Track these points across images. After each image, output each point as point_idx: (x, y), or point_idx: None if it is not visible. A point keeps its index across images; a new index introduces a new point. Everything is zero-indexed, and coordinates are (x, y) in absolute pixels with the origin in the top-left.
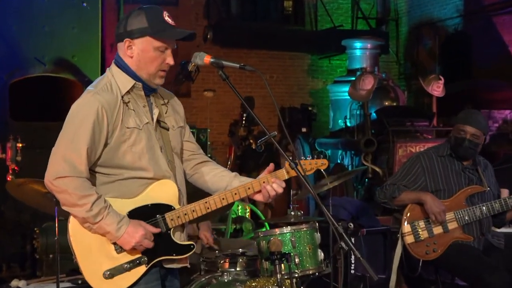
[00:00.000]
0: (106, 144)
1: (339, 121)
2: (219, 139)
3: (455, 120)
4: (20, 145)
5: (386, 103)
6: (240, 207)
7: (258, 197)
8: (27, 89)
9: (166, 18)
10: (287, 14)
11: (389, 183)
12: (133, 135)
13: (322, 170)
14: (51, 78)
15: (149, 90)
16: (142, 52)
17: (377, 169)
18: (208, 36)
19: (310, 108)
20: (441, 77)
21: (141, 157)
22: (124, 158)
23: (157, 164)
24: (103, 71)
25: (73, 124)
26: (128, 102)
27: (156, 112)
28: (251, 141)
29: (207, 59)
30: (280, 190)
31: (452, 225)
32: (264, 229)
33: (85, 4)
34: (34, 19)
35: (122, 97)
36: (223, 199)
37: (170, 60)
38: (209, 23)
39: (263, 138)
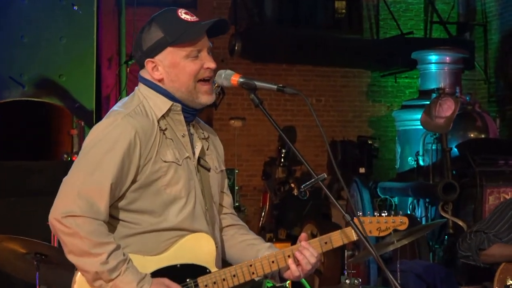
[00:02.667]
0: (134, 181)
1: (409, 158)
2: (249, 182)
3: None
4: None
5: (472, 135)
6: None
7: (287, 274)
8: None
9: (183, 16)
10: (339, 18)
11: (475, 230)
12: (170, 172)
13: None
14: (31, 104)
15: (190, 115)
16: (171, 68)
17: (460, 223)
18: (236, 48)
19: (370, 142)
20: None
21: (175, 201)
22: (154, 201)
23: (194, 212)
24: (99, 95)
25: (96, 152)
26: (165, 129)
27: (199, 145)
28: (293, 185)
29: (235, 78)
30: (313, 261)
31: None
32: None
33: (76, 8)
34: (10, 27)
35: (159, 122)
36: (268, 263)
37: (210, 63)
38: (237, 30)
39: (308, 182)
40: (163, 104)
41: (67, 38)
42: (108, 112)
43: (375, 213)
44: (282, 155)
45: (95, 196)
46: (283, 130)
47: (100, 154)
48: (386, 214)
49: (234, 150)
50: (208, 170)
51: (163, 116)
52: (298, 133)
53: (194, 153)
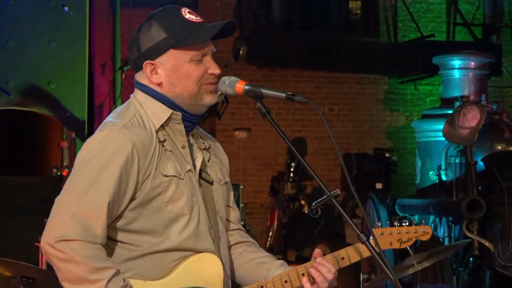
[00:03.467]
0: (132, 199)
1: (430, 173)
2: (256, 199)
3: None
4: None
5: (499, 147)
6: None
7: None
8: None
9: (188, 15)
10: (353, 20)
11: None
12: (171, 187)
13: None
14: (17, 113)
15: (191, 123)
16: (173, 72)
17: (487, 244)
18: (241, 52)
19: (387, 155)
20: None
21: (178, 219)
22: (155, 219)
23: (198, 230)
24: (91, 104)
25: (91, 168)
26: (164, 140)
27: (199, 157)
28: (303, 202)
29: (240, 86)
30: (330, 277)
31: None
32: None
33: (66, 9)
34: None
35: (157, 133)
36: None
37: (214, 69)
38: (242, 34)
39: (320, 199)
40: (162, 112)
41: (56, 41)
42: (102, 124)
43: (395, 223)
44: (292, 170)
45: (91, 218)
46: (292, 142)
47: (95, 171)
48: (407, 223)
49: (239, 164)
50: (211, 183)
51: (162, 126)
52: (309, 145)
53: (195, 166)
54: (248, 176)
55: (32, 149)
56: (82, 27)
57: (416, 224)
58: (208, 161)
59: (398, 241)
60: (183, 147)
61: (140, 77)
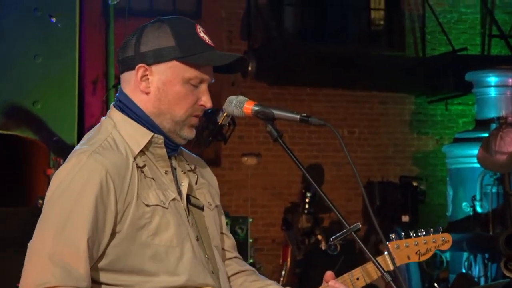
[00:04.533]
0: (113, 233)
1: (463, 204)
2: (266, 234)
3: None
4: None
5: None
6: None
7: None
8: None
9: (202, 34)
10: (376, 31)
11: None
12: (155, 218)
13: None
14: None
15: (172, 148)
16: (165, 86)
17: None
18: (250, 68)
19: (415, 184)
20: None
21: (168, 253)
22: (142, 256)
23: (193, 263)
24: (81, 126)
25: (62, 204)
26: (143, 166)
27: (185, 182)
28: (320, 237)
29: (248, 106)
30: None
31: None
32: None
33: (54, 20)
34: None
35: (135, 159)
36: None
37: (207, 101)
38: (251, 46)
39: (338, 234)
40: (141, 136)
41: (43, 56)
42: (70, 154)
43: (411, 234)
44: (307, 200)
45: (71, 258)
46: (307, 168)
47: (67, 205)
48: (425, 233)
49: (247, 193)
50: (201, 208)
51: (142, 151)
52: (326, 173)
53: (180, 193)
54: (257, 207)
55: (15, 177)
56: (72, 40)
57: (434, 232)
58: (196, 183)
59: (416, 253)
60: (166, 173)
61: (126, 83)
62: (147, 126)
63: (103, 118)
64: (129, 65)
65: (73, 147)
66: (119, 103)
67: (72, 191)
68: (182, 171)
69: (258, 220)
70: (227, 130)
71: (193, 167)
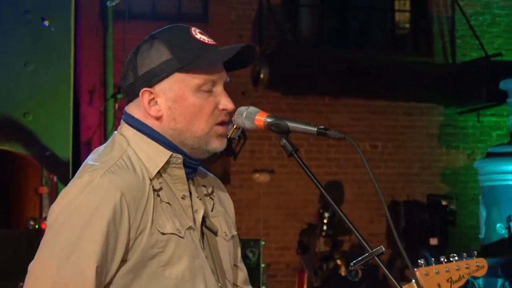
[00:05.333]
0: (123, 261)
1: (498, 225)
2: (280, 258)
3: None
4: None
5: None
6: None
7: None
8: None
9: (199, 36)
10: (401, 36)
11: None
12: (169, 247)
13: None
14: None
15: (191, 169)
16: (176, 103)
17: None
18: (261, 76)
19: (444, 203)
20: None
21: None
22: (150, 287)
23: None
24: (77, 140)
25: (70, 227)
26: (160, 189)
27: (200, 209)
28: (339, 262)
29: (261, 118)
30: None
31: None
32: None
33: (46, 23)
34: None
35: (151, 180)
36: None
37: (227, 103)
38: (263, 52)
39: (360, 258)
40: (159, 155)
41: (35, 63)
42: (80, 168)
43: (442, 259)
44: (325, 221)
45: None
46: (325, 186)
47: (76, 229)
48: (457, 258)
49: (259, 214)
50: (216, 234)
51: (159, 172)
52: (346, 191)
53: (195, 221)
54: (270, 229)
55: (4, 196)
56: (66, 45)
57: (467, 257)
58: (212, 210)
59: (447, 281)
60: (183, 198)
61: (133, 109)
62: (167, 146)
63: (115, 132)
64: (133, 94)
65: (67, 163)
66: (131, 123)
67: (82, 213)
68: (198, 197)
69: (271, 243)
70: (237, 144)
71: (210, 190)
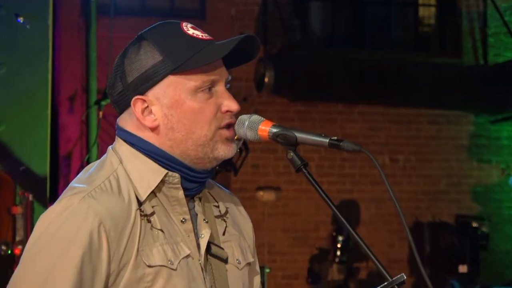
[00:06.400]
0: None
1: None
2: (289, 287)
3: None
4: None
5: None
6: None
7: None
8: None
9: (191, 31)
10: (425, 34)
11: None
12: (158, 281)
13: None
14: None
15: (196, 184)
16: (173, 109)
17: None
18: (266, 79)
19: (475, 225)
20: None
21: None
22: None
23: None
24: (55, 153)
25: (44, 258)
26: (151, 214)
27: (205, 233)
28: None
29: (265, 128)
30: None
31: None
32: None
33: (21, 20)
34: None
35: (141, 205)
36: None
37: (230, 104)
38: (267, 53)
39: (378, 287)
40: (153, 174)
41: (7, 66)
42: (65, 191)
43: None
44: (338, 246)
45: None
46: (339, 206)
47: (49, 262)
48: None
49: (263, 237)
50: (225, 261)
51: (153, 193)
52: (363, 211)
53: (199, 248)
54: (276, 254)
55: None
56: (44, 45)
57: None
58: (224, 233)
59: None
60: (183, 221)
61: (124, 121)
62: (161, 162)
63: (109, 148)
64: (124, 104)
65: (45, 179)
66: (124, 137)
67: (57, 243)
68: (204, 219)
69: (277, 270)
70: (238, 158)
71: (223, 210)
